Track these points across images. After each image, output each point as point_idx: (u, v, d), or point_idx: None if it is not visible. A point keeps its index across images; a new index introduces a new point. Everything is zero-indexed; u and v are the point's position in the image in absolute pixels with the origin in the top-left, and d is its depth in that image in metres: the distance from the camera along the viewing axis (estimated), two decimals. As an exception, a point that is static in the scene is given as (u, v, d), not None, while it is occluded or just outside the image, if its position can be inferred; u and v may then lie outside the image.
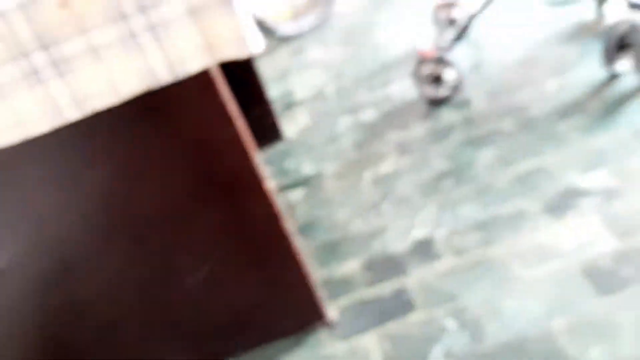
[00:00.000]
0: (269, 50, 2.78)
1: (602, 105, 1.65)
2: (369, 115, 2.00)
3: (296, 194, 1.77)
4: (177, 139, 0.93)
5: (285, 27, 2.76)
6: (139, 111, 0.89)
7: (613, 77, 1.74)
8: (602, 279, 1.18)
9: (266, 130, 1.98)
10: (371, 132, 1.91)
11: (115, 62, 0.81)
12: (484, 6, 1.82)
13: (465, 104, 1.87)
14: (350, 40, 2.58)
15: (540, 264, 1.25)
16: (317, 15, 2.80)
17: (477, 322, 1.18)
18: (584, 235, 1.28)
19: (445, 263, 1.34)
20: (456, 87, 1.87)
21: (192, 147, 0.94)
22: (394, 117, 1.94)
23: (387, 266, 1.39)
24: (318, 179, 1.79)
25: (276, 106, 2.28)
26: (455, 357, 1.13)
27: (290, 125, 2.11)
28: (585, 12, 2.08)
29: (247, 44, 0.80)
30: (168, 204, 0.99)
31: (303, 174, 1.83)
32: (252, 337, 1.24)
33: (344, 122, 2.01)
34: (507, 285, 1.23)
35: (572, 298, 1.16)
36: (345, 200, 1.66)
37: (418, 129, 1.83)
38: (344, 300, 1.35)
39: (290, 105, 2.24)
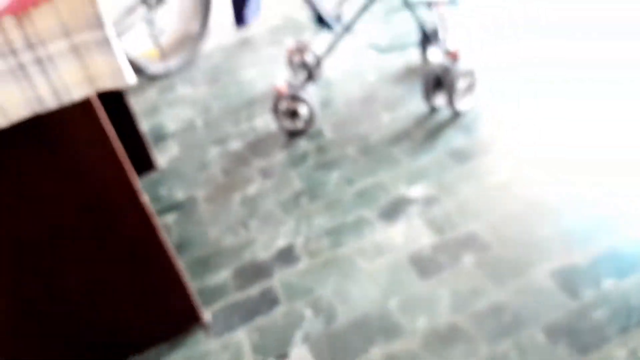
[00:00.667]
0: (139, 88, 2.84)
1: (424, 133, 1.99)
2: (235, 145, 2.17)
3: (170, 218, 1.86)
4: (62, 161, 1.01)
5: (154, 67, 2.85)
6: (26, 135, 0.97)
7: (432, 110, 2.10)
8: (424, 265, 1.45)
9: (140, 160, 2.06)
10: (238, 160, 2.08)
11: (5, 89, 0.90)
12: (329, 52, 2.09)
13: (317, 134, 2.12)
14: (216, 78, 2.74)
15: (378, 257, 1.50)
16: (185, 56, 2.93)
17: (330, 308, 1.38)
18: (410, 234, 1.56)
19: (303, 264, 1.53)
20: (309, 120, 2.11)
21: (74, 169, 1.03)
22: (257, 146, 2.13)
23: (255, 272, 1.55)
24: (190, 203, 1.90)
25: (148, 139, 2.36)
26: (312, 339, 1.31)
27: (162, 156, 2.20)
28: (410, 57, 2.46)
29: (123, 76, 0.94)
30: (53, 223, 1.06)
31: (176, 199, 1.93)
32: (137, 342, 1.32)
33: (213, 152, 2.15)
34: (353, 277, 1.46)
35: (402, 282, 1.41)
36: (216, 219, 1.80)
37: (278, 156, 2.04)
38: (218, 305, 1.48)
39: (161, 137, 2.33)
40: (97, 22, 0.87)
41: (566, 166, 1.69)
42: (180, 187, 1.99)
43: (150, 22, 2.78)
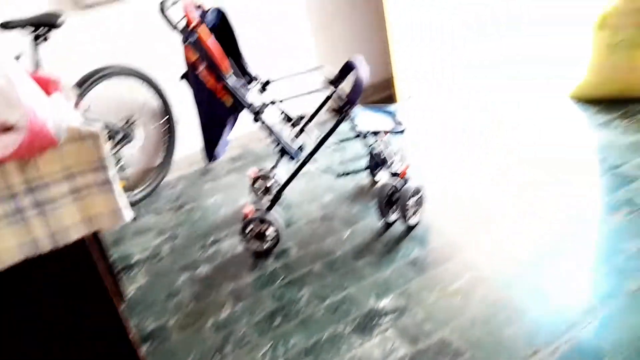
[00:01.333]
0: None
1: (383, 246, 2.08)
2: (203, 270, 2.16)
3: (142, 350, 1.78)
4: (56, 294, 1.00)
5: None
6: (20, 271, 0.96)
7: (388, 225, 2.20)
8: (402, 377, 1.45)
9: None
10: (207, 285, 2.06)
11: (2, 234, 0.91)
12: (292, 179, 2.20)
13: (283, 253, 2.16)
14: (180, 206, 2.78)
15: (357, 373, 1.49)
16: (148, 185, 2.97)
17: None
18: (386, 346, 1.57)
19: (284, 386, 1.49)
20: (276, 241, 2.15)
21: (65, 304, 1.02)
22: (226, 269, 2.14)
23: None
24: (162, 332, 1.84)
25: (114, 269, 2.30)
26: None
27: (130, 286, 2.15)
28: (361, 180, 2.62)
29: (121, 215, 0.97)
30: (41, 355, 1.02)
31: (147, 330, 1.86)
32: None
33: (181, 279, 2.13)
34: (335, 395, 1.43)
35: (383, 396, 1.39)
36: (189, 348, 1.74)
37: (248, 278, 2.05)
38: None
39: (128, 267, 2.29)
40: (101, 165, 0.93)
41: (520, 265, 1.79)
42: (150, 317, 1.93)
43: (116, 157, 2.84)
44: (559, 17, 3.99)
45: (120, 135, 2.83)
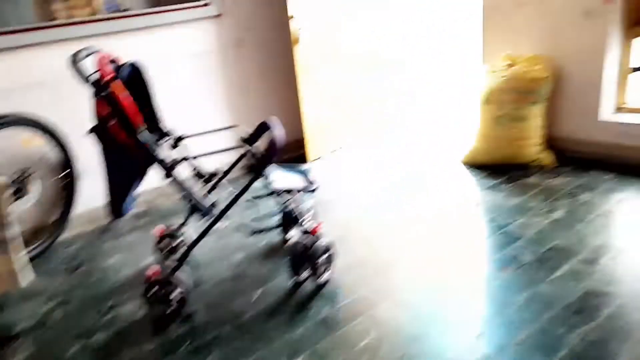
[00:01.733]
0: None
1: (294, 306, 2.07)
2: (100, 337, 2.00)
3: None
4: None
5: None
6: None
7: (299, 283, 2.20)
8: None
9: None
10: (104, 354, 1.90)
11: None
12: (203, 237, 2.15)
13: (190, 317, 2.07)
14: (76, 267, 2.58)
15: None
16: (40, 244, 2.74)
17: None
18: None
19: None
20: (181, 304, 2.06)
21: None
22: (126, 336, 1.99)
23: None
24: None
25: (-6, 340, 2.06)
26: None
27: None
28: (272, 237, 2.62)
29: (17, 279, 0.89)
30: None
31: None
32: None
33: (74, 348, 1.95)
34: None
35: None
36: None
37: (150, 345, 1.92)
38: None
39: (9, 338, 2.05)
40: (1, 224, 0.85)
41: (421, 319, 1.86)
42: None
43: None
44: (449, 92, 4.42)
45: (12, 190, 2.62)
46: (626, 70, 2.95)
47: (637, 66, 2.93)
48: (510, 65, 3.06)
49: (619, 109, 3.01)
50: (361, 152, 3.81)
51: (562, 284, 1.98)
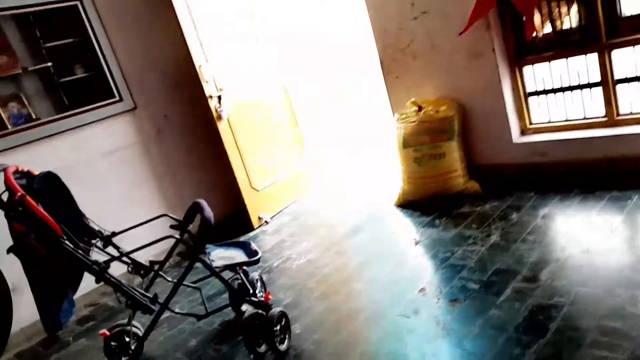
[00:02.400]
0: None
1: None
2: None
3: None
4: None
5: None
6: None
7: (259, 357, 2.13)
8: None
9: None
10: None
11: None
12: (150, 331, 2.06)
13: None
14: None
15: None
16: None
17: None
18: None
19: None
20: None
21: None
22: None
23: None
24: None
25: None
26: None
27: None
28: (226, 315, 2.54)
29: None
30: None
31: None
32: None
33: None
34: None
35: None
36: None
37: None
38: None
39: None
40: None
41: (385, 374, 1.85)
42: None
43: None
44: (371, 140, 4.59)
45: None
46: (524, 96, 3.20)
47: (532, 91, 3.19)
48: (417, 111, 3.25)
49: (526, 131, 3.24)
50: (302, 209, 3.84)
51: (509, 305, 2.04)
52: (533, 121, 3.24)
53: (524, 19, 2.90)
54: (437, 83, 3.31)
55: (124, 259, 2.16)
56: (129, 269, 2.22)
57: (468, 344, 1.88)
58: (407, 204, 3.30)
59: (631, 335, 1.69)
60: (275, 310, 2.15)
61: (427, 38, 3.22)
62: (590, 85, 2.98)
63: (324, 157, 4.54)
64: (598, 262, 2.17)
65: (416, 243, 2.80)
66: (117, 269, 2.29)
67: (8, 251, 1.90)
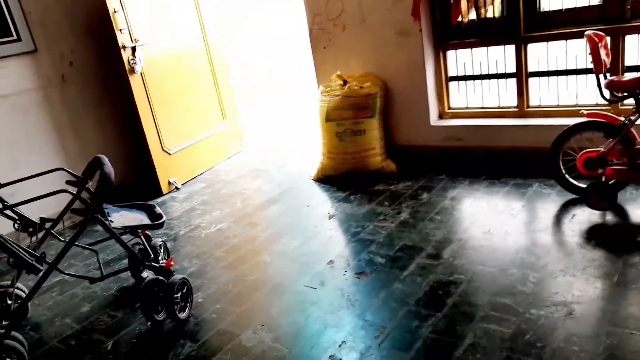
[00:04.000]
0: None
1: (152, 350, 1.92)
2: None
3: None
4: None
5: None
6: None
7: (157, 325, 2.05)
8: None
9: None
10: None
11: None
12: (34, 293, 1.90)
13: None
14: None
15: None
16: None
17: None
18: None
19: None
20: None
21: None
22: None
23: None
24: None
25: None
26: None
27: None
28: (123, 280, 2.42)
29: None
30: None
31: None
32: None
33: None
34: None
35: None
36: None
37: None
38: None
39: None
40: None
41: (286, 339, 1.85)
42: None
43: None
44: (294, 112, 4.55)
45: None
46: (445, 80, 3.29)
47: (453, 75, 3.29)
48: (342, 85, 3.25)
49: (444, 115, 3.35)
50: (217, 177, 3.74)
51: (412, 280, 2.11)
52: (451, 105, 3.35)
53: (452, 1, 2.97)
54: (364, 58, 3.32)
55: (9, 212, 1.97)
56: (16, 225, 2.04)
57: (370, 316, 1.92)
58: (325, 179, 3.32)
59: (518, 311, 1.81)
60: (177, 277, 2.08)
61: (358, 10, 3.21)
62: (506, 76, 3.12)
63: (245, 123, 4.44)
64: (497, 243, 2.29)
65: (330, 217, 2.82)
66: (3, 226, 2.10)
67: None
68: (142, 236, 2.24)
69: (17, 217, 2.06)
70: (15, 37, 3.02)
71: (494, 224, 2.46)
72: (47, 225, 2.12)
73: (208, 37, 3.88)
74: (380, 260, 2.30)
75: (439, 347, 1.71)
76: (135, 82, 3.30)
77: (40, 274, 1.89)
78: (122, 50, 3.22)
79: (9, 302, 2.17)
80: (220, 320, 2.05)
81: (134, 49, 3.27)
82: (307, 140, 4.14)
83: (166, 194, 3.56)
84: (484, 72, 3.18)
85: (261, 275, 2.37)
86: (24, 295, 2.20)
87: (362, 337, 1.82)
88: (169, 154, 3.58)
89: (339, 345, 1.79)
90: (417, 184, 3.07)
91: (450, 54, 3.24)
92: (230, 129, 4.15)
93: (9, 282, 2.19)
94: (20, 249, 1.86)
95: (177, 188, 3.62)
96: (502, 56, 3.08)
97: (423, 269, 2.18)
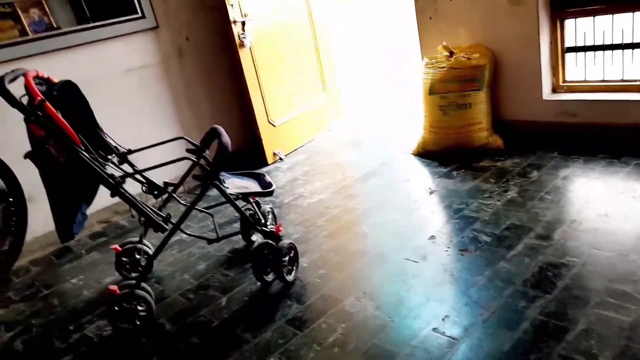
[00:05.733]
0: None
1: (263, 308, 2.06)
2: (66, 361, 1.94)
3: None
4: None
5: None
6: None
7: (265, 286, 2.19)
8: None
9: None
10: (71, 377, 1.85)
11: None
12: (160, 251, 2.11)
13: (157, 330, 2.03)
14: (35, 294, 2.49)
15: None
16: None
17: None
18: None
19: None
20: (147, 318, 2.02)
21: None
22: (94, 357, 1.94)
23: None
24: None
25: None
26: None
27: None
28: (235, 243, 2.60)
29: None
30: None
31: None
32: None
33: (40, 376, 1.88)
34: None
35: None
36: None
37: (119, 362, 1.87)
38: None
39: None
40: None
41: (387, 309, 1.89)
42: None
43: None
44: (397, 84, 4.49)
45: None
46: (561, 51, 3.08)
47: (570, 46, 3.07)
48: (448, 56, 3.15)
49: (558, 89, 3.14)
50: (318, 148, 3.83)
51: (520, 260, 2.05)
52: (567, 79, 3.13)
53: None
54: (472, 28, 3.19)
55: (139, 177, 2.18)
56: (143, 188, 2.25)
57: (474, 293, 1.91)
58: (425, 153, 3.27)
59: (639, 300, 1.70)
60: (285, 241, 2.19)
61: (468, -22, 3.07)
62: (633, 46, 2.85)
63: (346, 95, 4.47)
64: (615, 226, 2.15)
65: (430, 192, 2.80)
66: (131, 189, 2.32)
67: (25, 156, 1.92)
68: (253, 202, 2.38)
69: (144, 181, 2.27)
70: (140, 14, 3.26)
71: (612, 206, 2.30)
72: (170, 189, 2.32)
73: (312, 10, 3.93)
74: (486, 238, 2.25)
75: (548, 329, 1.66)
76: (244, 56, 3.44)
77: (166, 233, 2.09)
78: (232, 25, 3.36)
79: (137, 256, 2.43)
80: (324, 285, 2.13)
81: (243, 24, 3.40)
82: (408, 114, 4.09)
83: (271, 164, 3.71)
84: (607, 43, 2.92)
85: (361, 245, 2.43)
86: (149, 251, 2.44)
87: (466, 313, 1.82)
88: (274, 126, 3.72)
89: (442, 319, 1.80)
90: (525, 161, 2.93)
91: (569, 23, 3.01)
92: (330, 101, 4.21)
93: (137, 239, 2.45)
94: (149, 209, 2.06)
95: (281, 159, 3.76)
96: (629, 24, 2.80)
97: (531, 250, 2.10)
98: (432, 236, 2.35)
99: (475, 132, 3.12)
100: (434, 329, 1.76)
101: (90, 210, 2.35)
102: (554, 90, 3.15)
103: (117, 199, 2.00)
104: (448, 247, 2.24)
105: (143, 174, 2.20)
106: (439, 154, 3.20)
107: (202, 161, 2.18)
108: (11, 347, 2.09)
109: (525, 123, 3.18)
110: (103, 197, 2.15)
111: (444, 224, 2.46)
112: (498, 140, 3.15)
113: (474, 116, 3.09)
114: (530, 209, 2.41)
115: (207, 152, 2.23)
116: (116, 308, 1.97)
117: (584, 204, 2.39)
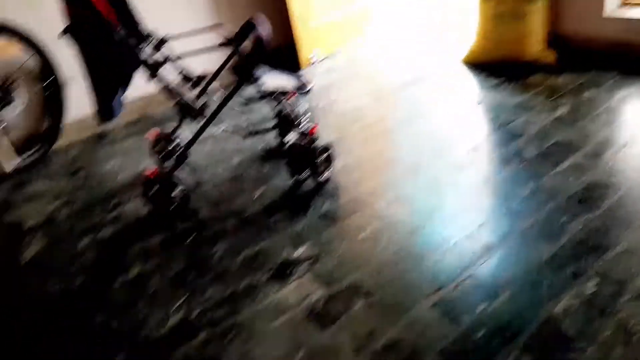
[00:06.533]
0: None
1: (295, 203, 2.08)
2: (107, 232, 2.02)
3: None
4: None
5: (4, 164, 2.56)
6: None
7: (299, 183, 2.20)
8: (321, 317, 1.47)
9: None
10: (113, 247, 1.94)
11: None
12: (195, 140, 2.10)
13: (193, 214, 2.08)
14: (76, 172, 2.57)
15: (276, 318, 1.49)
16: (36, 151, 2.70)
17: (238, 375, 1.30)
18: (301, 291, 1.58)
19: (202, 336, 1.45)
20: (184, 201, 2.06)
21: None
22: (132, 231, 2.02)
23: (152, 352, 1.42)
24: (67, 293, 1.70)
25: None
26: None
27: (26, 251, 1.96)
28: (272, 140, 2.58)
29: (2, 165, 0.86)
30: None
31: (50, 291, 1.72)
32: None
33: (84, 242, 1.98)
34: (255, 340, 1.42)
35: (303, 336, 1.41)
36: (98, 307, 1.63)
37: (157, 238, 1.94)
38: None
39: (22, 233, 2.09)
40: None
41: (422, 214, 1.89)
42: (53, 279, 1.78)
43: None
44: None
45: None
46: (637, -38, 2.80)
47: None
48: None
49: (624, 4, 2.89)
50: (356, 53, 3.70)
51: (565, 176, 1.99)
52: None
53: None
54: None
55: (176, 65, 2.13)
56: (181, 77, 2.21)
57: (515, 204, 1.87)
58: (474, 63, 3.12)
59: (688, 224, 1.64)
60: (320, 142, 2.15)
61: None
62: None
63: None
64: (670, 152, 2.05)
65: (478, 103, 2.69)
66: (168, 76, 2.28)
67: (65, 31, 1.88)
68: (289, 100, 2.33)
69: (180, 71, 2.22)
70: None
71: (670, 132, 2.18)
72: (205, 80, 2.27)
73: None
74: (530, 153, 2.18)
75: (588, 245, 1.63)
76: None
77: (202, 122, 2.07)
78: None
79: (171, 146, 2.44)
80: (357, 188, 2.12)
81: None
82: (458, 21, 3.85)
83: (305, 67, 3.60)
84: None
85: (397, 153, 2.39)
86: (183, 142, 2.44)
87: (504, 222, 1.79)
88: (311, 27, 3.57)
89: (478, 226, 1.79)
90: (579, 79, 2.77)
91: None
92: (371, 4, 3.99)
93: (171, 130, 2.45)
94: (186, 98, 2.03)
95: (316, 62, 3.64)
96: None
97: (578, 168, 2.03)
98: (475, 147, 2.29)
99: (529, 45, 2.93)
100: (468, 236, 1.75)
101: (125, 100, 2.34)
102: (621, 5, 2.90)
103: (151, 90, 1.97)
104: (490, 158, 2.19)
105: (177, 62, 2.14)
106: (489, 64, 3.04)
107: (238, 52, 2.10)
108: (58, 215, 2.19)
109: (585, 39, 2.97)
110: (138, 87, 2.13)
111: (488, 135, 2.39)
112: (551, 56, 2.97)
113: (529, 28, 2.89)
114: (581, 128, 2.30)
115: (245, 43, 2.15)
116: (152, 190, 2.01)
117: (639, 128, 2.27)
